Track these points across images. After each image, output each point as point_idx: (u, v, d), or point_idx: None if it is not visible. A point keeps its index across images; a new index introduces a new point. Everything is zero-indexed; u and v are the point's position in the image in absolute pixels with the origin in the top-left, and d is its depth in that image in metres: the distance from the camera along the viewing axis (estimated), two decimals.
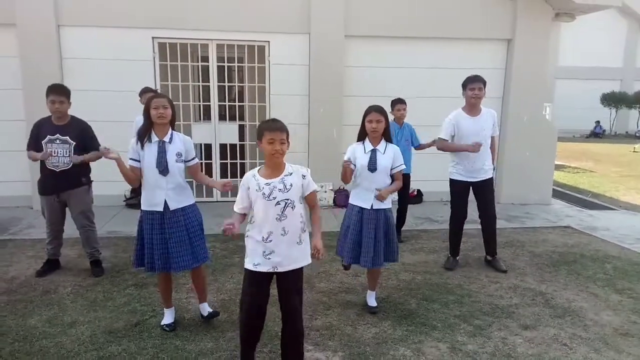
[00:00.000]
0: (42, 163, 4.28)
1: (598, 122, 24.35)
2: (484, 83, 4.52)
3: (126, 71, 6.83)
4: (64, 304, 3.86)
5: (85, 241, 4.56)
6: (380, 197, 3.58)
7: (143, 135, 3.27)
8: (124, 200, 7.03)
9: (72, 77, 6.70)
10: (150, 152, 3.26)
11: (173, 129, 3.38)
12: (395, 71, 7.41)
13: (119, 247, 5.25)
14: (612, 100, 24.62)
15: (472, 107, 4.58)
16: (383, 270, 4.55)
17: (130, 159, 3.28)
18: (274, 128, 2.67)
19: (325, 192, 7.24)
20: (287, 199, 2.67)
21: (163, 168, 3.25)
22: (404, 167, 3.72)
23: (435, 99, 7.25)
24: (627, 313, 3.89)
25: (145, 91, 5.30)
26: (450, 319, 3.72)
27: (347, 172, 3.58)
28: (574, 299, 4.13)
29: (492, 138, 4.74)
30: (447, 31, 7.40)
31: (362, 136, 3.72)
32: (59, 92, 4.20)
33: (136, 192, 6.96)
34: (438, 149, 4.81)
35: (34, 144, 4.27)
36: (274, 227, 2.68)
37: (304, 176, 2.76)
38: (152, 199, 3.29)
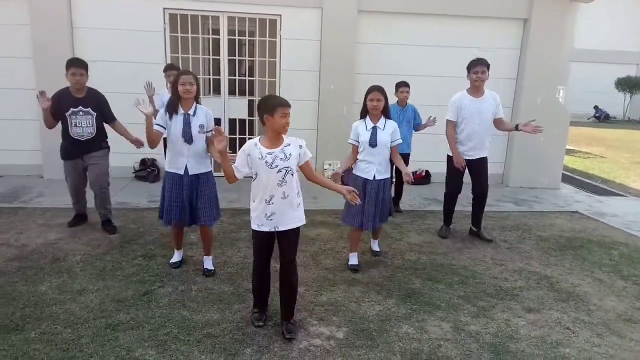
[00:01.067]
0: (66, 131, 4.57)
1: (596, 106, 23.77)
2: (488, 66, 4.75)
3: (136, 42, 6.77)
4: (73, 272, 3.92)
5: (100, 203, 4.85)
6: (409, 178, 4.00)
7: (171, 108, 3.71)
8: (133, 172, 7.07)
9: (83, 47, 6.66)
10: (177, 123, 3.71)
11: (198, 102, 3.80)
12: (408, 49, 7.28)
13: (128, 218, 5.30)
14: (627, 84, 24.05)
15: (475, 90, 4.83)
16: (389, 250, 4.69)
17: (157, 124, 3.72)
18: (286, 103, 2.89)
19: (334, 170, 7.19)
20: (287, 167, 2.92)
21: (188, 138, 3.72)
22: (400, 141, 4.12)
23: (449, 78, 7.12)
24: (631, 299, 3.90)
25: (168, 68, 5.39)
26: (454, 299, 3.75)
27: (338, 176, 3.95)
28: (579, 284, 4.14)
29: (500, 119, 4.95)
30: (462, 8, 7.23)
31: (363, 114, 4.08)
32: (79, 65, 4.51)
33: (145, 164, 7.01)
34: (447, 134, 4.99)
35: (54, 111, 4.52)
36: (276, 191, 2.93)
37: (300, 146, 3.01)
38: (176, 163, 3.79)
